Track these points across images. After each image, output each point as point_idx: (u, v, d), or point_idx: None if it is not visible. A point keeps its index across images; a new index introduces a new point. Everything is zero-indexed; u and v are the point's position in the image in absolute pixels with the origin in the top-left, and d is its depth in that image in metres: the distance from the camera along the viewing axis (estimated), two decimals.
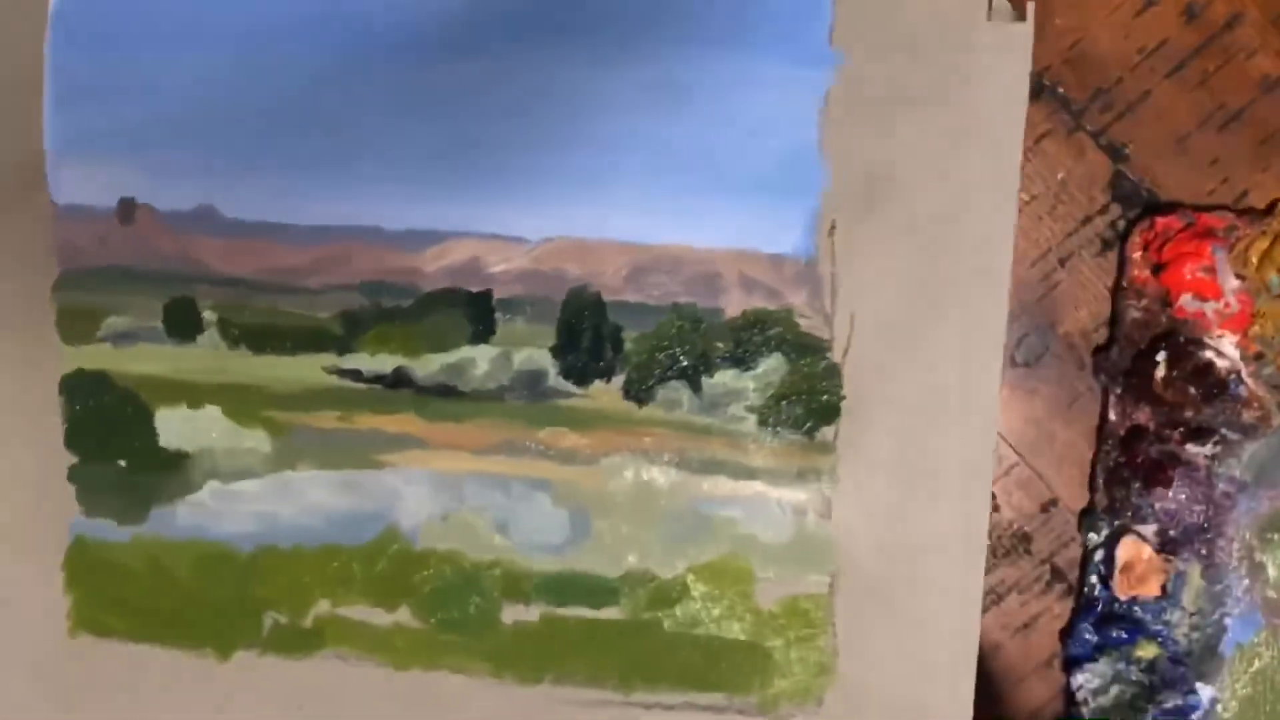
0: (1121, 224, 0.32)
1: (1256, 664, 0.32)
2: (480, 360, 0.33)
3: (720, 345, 0.31)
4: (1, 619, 0.34)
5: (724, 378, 0.32)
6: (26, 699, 0.36)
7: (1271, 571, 0.31)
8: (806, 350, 0.31)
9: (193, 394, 0.34)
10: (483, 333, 0.32)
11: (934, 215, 0.30)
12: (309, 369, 0.33)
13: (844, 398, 0.31)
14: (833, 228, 0.31)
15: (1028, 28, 0.30)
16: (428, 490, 0.35)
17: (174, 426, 0.35)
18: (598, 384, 0.32)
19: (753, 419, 0.31)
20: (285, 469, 0.36)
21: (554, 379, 0.32)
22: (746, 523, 0.31)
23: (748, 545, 0.32)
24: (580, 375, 0.32)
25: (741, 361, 0.31)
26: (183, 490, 0.37)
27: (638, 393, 0.32)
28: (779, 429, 0.31)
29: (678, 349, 0.32)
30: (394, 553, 0.36)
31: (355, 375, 0.33)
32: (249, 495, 0.37)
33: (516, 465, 0.33)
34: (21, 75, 0.33)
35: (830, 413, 0.31)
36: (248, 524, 0.37)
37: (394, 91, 0.32)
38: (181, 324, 0.35)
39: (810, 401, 0.31)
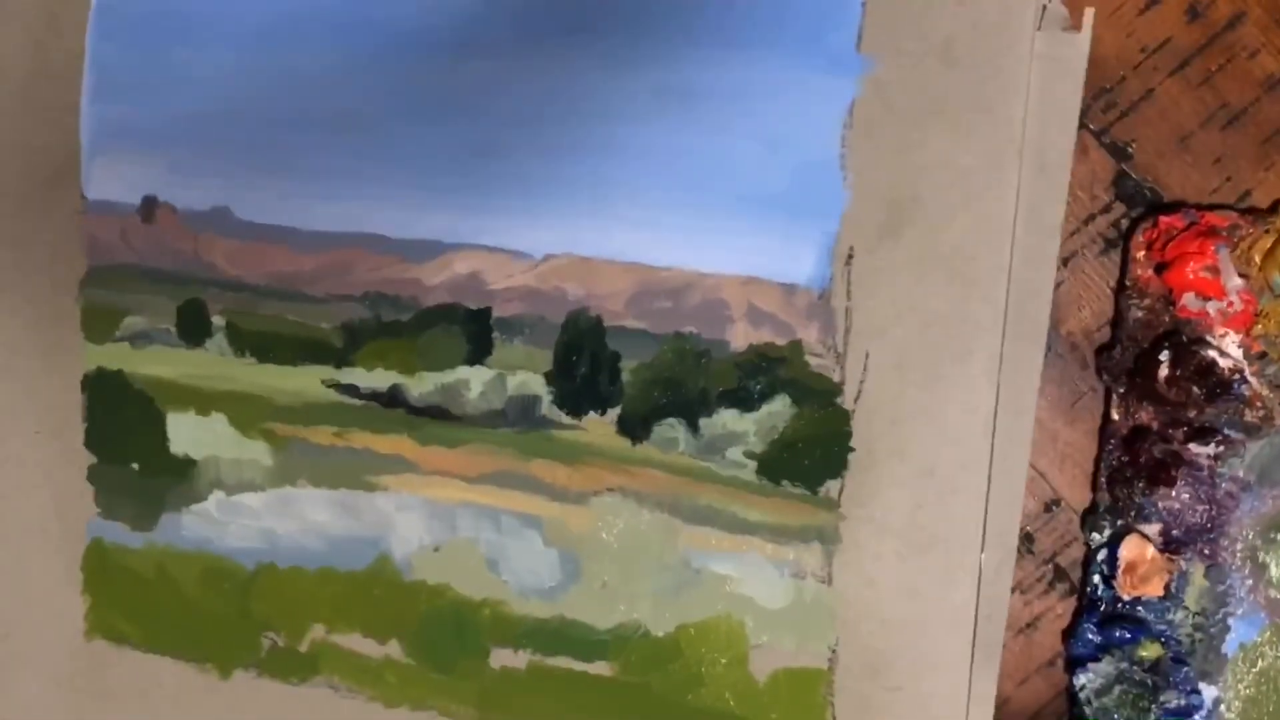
0: (1124, 223, 0.49)
1: (1260, 664, 0.48)
2: (475, 382, 0.50)
3: (722, 382, 0.47)
4: (21, 618, 0.56)
5: (724, 418, 0.47)
6: (41, 700, 0.62)
7: (1275, 571, 0.48)
8: (815, 393, 0.46)
9: (201, 400, 0.54)
10: (479, 353, 0.50)
11: (963, 245, 0.44)
12: (309, 381, 0.52)
13: (853, 449, 0.46)
14: (850, 255, 0.45)
15: (1084, 38, 0.44)
16: (420, 517, 0.52)
17: (184, 432, 0.56)
18: (592, 415, 0.49)
19: (752, 466, 0.47)
20: (285, 484, 0.57)
21: (547, 407, 0.49)
22: (741, 581, 0.47)
23: (743, 606, 0.47)
24: (574, 405, 0.49)
25: (744, 401, 0.47)
26: (190, 498, 0.58)
27: (632, 428, 0.48)
28: (780, 479, 0.46)
29: (677, 383, 0.48)
30: (386, 581, 0.56)
31: (352, 390, 0.52)
32: (251, 509, 0.58)
33: (508, 498, 0.50)
34: (61, 67, 0.54)
35: (836, 465, 0.46)
36: (250, 539, 0.57)
37: (405, 95, 0.50)
38: (192, 327, 0.57)
39: (816, 451, 0.46)
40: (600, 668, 0.50)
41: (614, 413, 0.49)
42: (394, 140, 0.51)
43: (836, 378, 0.46)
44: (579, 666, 0.50)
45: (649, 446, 0.49)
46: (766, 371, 0.47)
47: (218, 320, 0.54)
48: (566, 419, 0.50)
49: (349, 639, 0.53)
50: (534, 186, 0.50)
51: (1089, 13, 0.44)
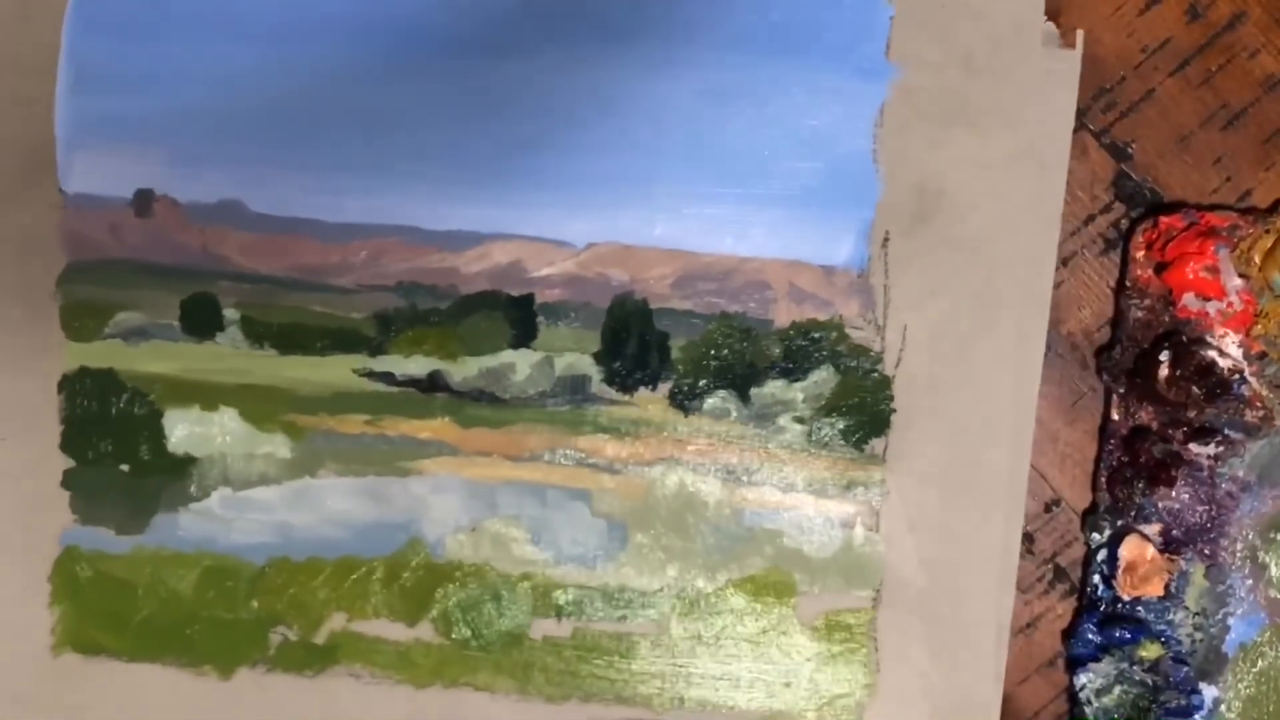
0: (1124, 223, 0.53)
1: (1260, 664, 0.51)
2: (521, 365, 0.53)
3: (769, 355, 0.52)
4: None
5: (773, 388, 0.52)
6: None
7: (1275, 571, 0.51)
8: (857, 361, 0.52)
9: (207, 395, 0.53)
10: (524, 337, 0.53)
11: (985, 231, 0.51)
12: (338, 371, 0.53)
13: (894, 410, 0.52)
14: (886, 239, 0.52)
15: (1076, 55, 0.51)
16: (457, 499, 0.54)
17: (184, 429, 0.55)
18: (643, 391, 0.53)
19: (801, 430, 0.52)
20: (304, 475, 0.57)
21: (597, 385, 0.52)
22: (792, 536, 0.52)
23: (792, 559, 0.52)
24: (625, 382, 0.52)
25: (791, 372, 0.52)
26: (189, 497, 0.56)
27: (684, 401, 0.52)
28: (828, 441, 0.52)
29: (726, 357, 0.53)
30: (417, 565, 0.57)
31: (387, 378, 0.54)
32: (262, 503, 0.58)
33: (554, 473, 0.53)
34: (34, 59, 0.52)
35: (880, 425, 0.52)
36: (260, 534, 0.57)
37: (437, 89, 0.52)
38: (200, 321, 0.56)
39: (860, 413, 0.52)
40: (647, 627, 0.54)
41: (665, 387, 0.54)
42: (428, 137, 0.53)
43: (877, 348, 0.53)
44: (624, 629, 0.54)
45: (701, 417, 0.54)
46: (811, 344, 0.53)
47: (231, 313, 0.54)
48: (617, 395, 0.54)
49: (372, 625, 0.55)
50: (575, 181, 0.53)
51: (1079, 33, 0.53)
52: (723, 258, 0.53)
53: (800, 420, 0.53)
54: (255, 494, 0.54)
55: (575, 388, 0.53)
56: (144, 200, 0.54)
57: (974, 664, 0.53)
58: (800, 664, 0.53)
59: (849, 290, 0.53)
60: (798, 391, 0.53)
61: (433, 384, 0.54)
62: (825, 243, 0.53)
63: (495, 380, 0.53)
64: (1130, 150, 0.54)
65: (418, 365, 0.54)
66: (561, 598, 0.54)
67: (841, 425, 0.53)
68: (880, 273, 0.53)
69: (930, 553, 0.53)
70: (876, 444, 0.53)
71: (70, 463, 0.54)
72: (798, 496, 0.53)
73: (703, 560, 0.53)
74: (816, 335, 0.53)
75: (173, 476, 0.54)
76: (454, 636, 0.54)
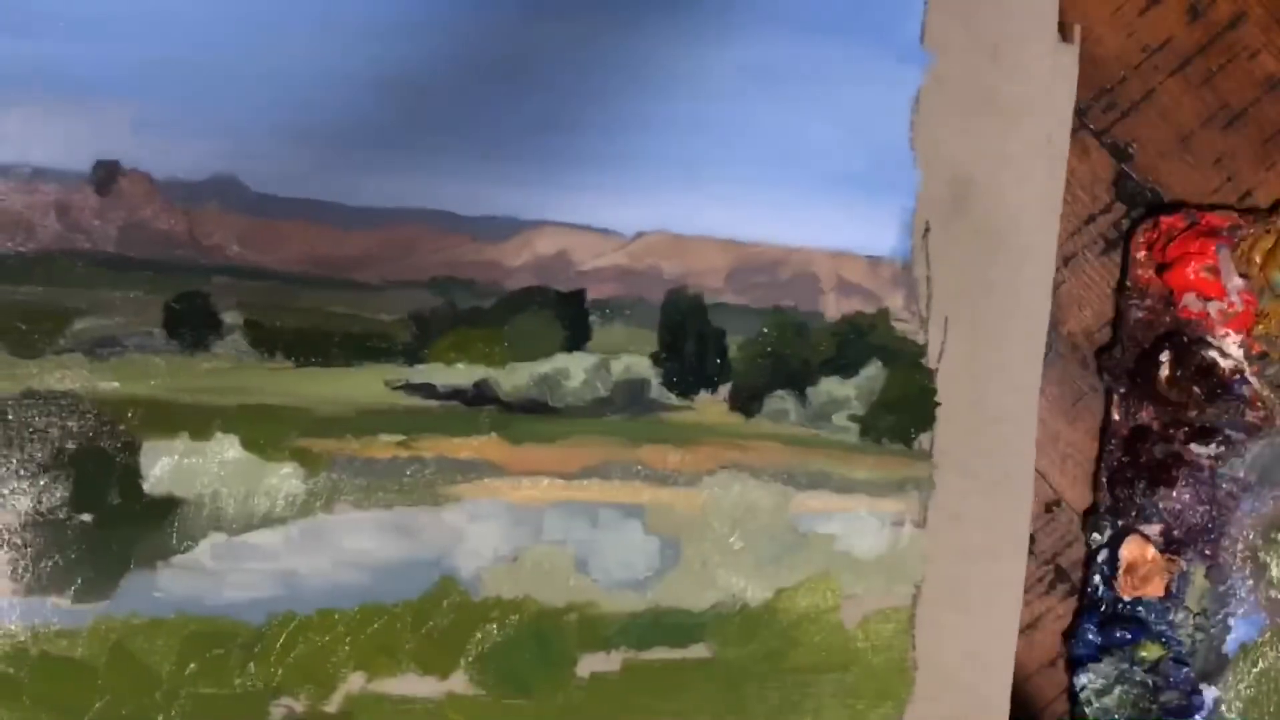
0: (1125, 223, 0.53)
1: (1260, 664, 0.52)
2: (575, 370, 0.47)
3: (822, 352, 0.49)
4: None
5: (828, 385, 0.49)
6: None
7: (1275, 571, 0.52)
8: (903, 355, 0.50)
9: (199, 420, 0.43)
10: (577, 338, 0.47)
11: (1015, 220, 0.51)
12: (367, 383, 0.45)
13: (939, 404, 0.51)
14: (926, 229, 0.50)
15: (1074, 50, 0.52)
16: (498, 527, 0.46)
17: (166, 464, 0.43)
18: (703, 394, 0.48)
19: (856, 428, 0.50)
20: (317, 511, 0.47)
21: (656, 389, 0.48)
22: (844, 538, 0.50)
23: (841, 562, 0.50)
24: (685, 385, 0.48)
25: (843, 368, 0.49)
26: (170, 549, 0.43)
27: (745, 403, 0.49)
28: (881, 438, 0.50)
29: (783, 355, 0.50)
30: (449, 606, 0.49)
31: (428, 391, 0.46)
32: (264, 549, 0.47)
33: (609, 490, 0.47)
34: None
35: (927, 419, 0.50)
36: (259, 587, 0.45)
37: (472, 54, 0.45)
38: (191, 327, 0.43)
39: (909, 408, 0.50)
40: (698, 650, 0.50)
41: (725, 389, 0.50)
42: (456, 105, 0.46)
43: (921, 340, 0.52)
44: (676, 655, 0.50)
45: (761, 420, 0.50)
46: (859, 338, 0.51)
47: (231, 317, 0.44)
48: (677, 400, 0.49)
49: (397, 683, 0.47)
50: (620, 162, 0.48)
51: (1077, 27, 0.54)
52: (771, 247, 0.50)
53: (855, 418, 0.51)
54: (255, 538, 0.45)
55: (634, 394, 0.49)
56: (106, 174, 0.43)
57: (998, 658, 0.54)
58: (845, 672, 0.52)
59: (894, 282, 0.52)
60: (851, 388, 0.51)
61: (479, 395, 0.47)
62: (870, 232, 0.51)
63: (548, 388, 0.48)
64: (1131, 150, 0.55)
65: (462, 374, 0.47)
66: (611, 628, 0.49)
67: (892, 421, 0.52)
68: (922, 263, 0.52)
69: (970, 544, 0.53)
70: (924, 438, 0.52)
71: (9, 517, 0.43)
72: (852, 498, 0.51)
73: (754, 572, 0.51)
74: (864, 328, 0.51)
75: (150, 525, 0.44)
76: (492, 684, 0.48)
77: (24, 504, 0.42)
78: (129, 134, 0.42)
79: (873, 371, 0.51)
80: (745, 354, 0.49)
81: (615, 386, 0.48)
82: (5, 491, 0.42)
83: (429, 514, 0.46)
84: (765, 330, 0.49)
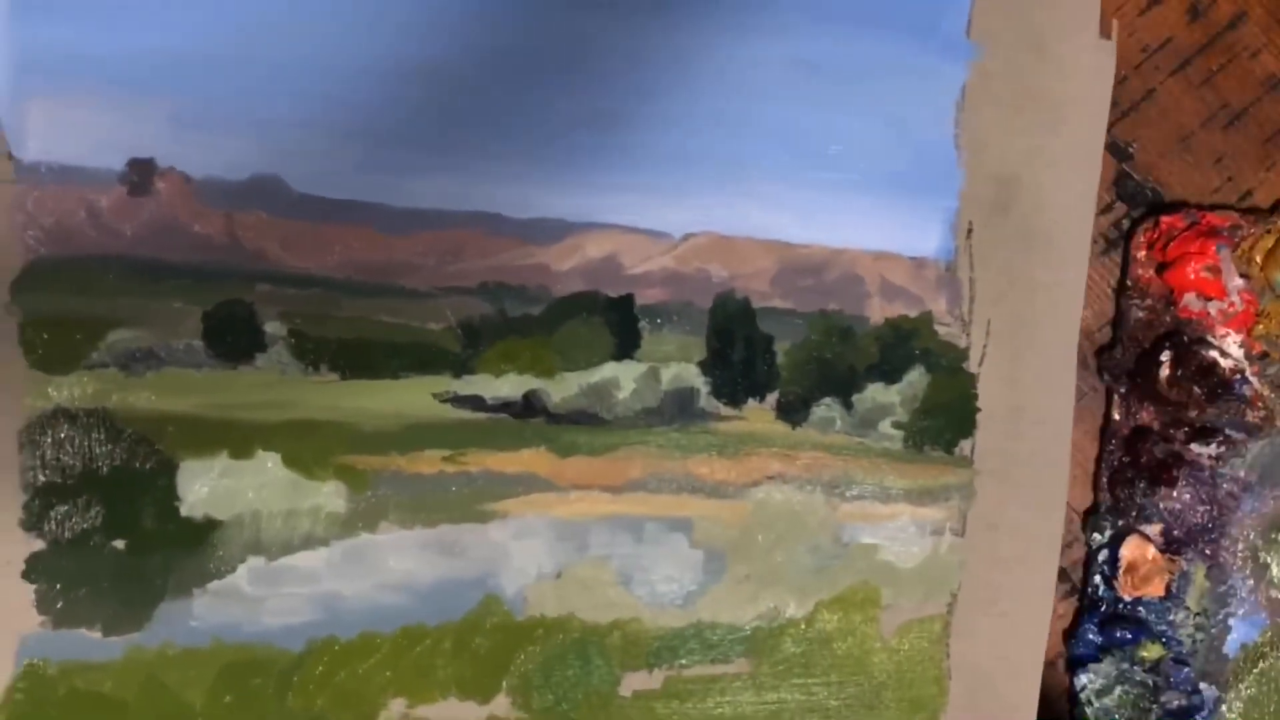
0: (1125, 223, 0.52)
1: (1261, 664, 0.52)
2: (625, 379, 0.45)
3: (866, 357, 0.48)
4: None
5: (873, 392, 0.48)
6: None
7: (1276, 571, 0.52)
8: (946, 360, 0.49)
9: (239, 438, 0.40)
10: (626, 346, 0.45)
11: (1057, 221, 0.50)
12: (415, 396, 0.42)
13: (979, 409, 0.50)
14: (970, 230, 0.49)
15: (1112, 46, 0.51)
16: (544, 543, 0.44)
17: (205, 485, 0.40)
18: (751, 403, 0.46)
19: (899, 436, 0.48)
20: (361, 531, 0.43)
21: (705, 399, 0.46)
22: (886, 548, 0.48)
23: (882, 572, 0.48)
24: (733, 393, 0.46)
25: (887, 374, 0.48)
26: (207, 574, 0.40)
27: (792, 411, 0.47)
28: (924, 445, 0.49)
29: (829, 362, 0.47)
30: (492, 627, 0.45)
31: (476, 403, 0.43)
32: (305, 572, 0.43)
33: (657, 503, 0.45)
34: None
35: (968, 425, 0.49)
36: (299, 612, 0.42)
37: (518, 50, 0.43)
38: (233, 338, 0.40)
39: (950, 414, 0.49)
40: (740, 665, 0.49)
41: (772, 398, 0.48)
42: (502, 103, 0.43)
43: (963, 344, 0.50)
44: (717, 670, 0.49)
45: (808, 428, 0.48)
46: (902, 343, 0.50)
47: (274, 327, 0.41)
48: (726, 409, 0.47)
49: (438, 708, 0.45)
50: (668, 161, 0.46)
51: (1115, 23, 0.53)
52: (817, 249, 0.48)
53: (899, 425, 0.50)
54: (297, 561, 0.42)
55: (683, 403, 0.46)
56: (142, 174, 0.40)
57: (1028, 662, 0.53)
58: (882, 683, 0.51)
59: (937, 284, 0.50)
60: (895, 394, 0.49)
61: (528, 407, 0.44)
62: (913, 233, 0.50)
63: (598, 399, 0.45)
64: (1131, 150, 0.54)
65: (511, 385, 0.44)
66: (653, 645, 0.47)
67: (935, 427, 0.50)
68: (966, 265, 0.50)
69: (1005, 551, 0.52)
70: (965, 445, 0.51)
71: (36, 544, 0.39)
72: (895, 506, 0.50)
73: (796, 584, 0.49)
74: (907, 332, 0.50)
75: (186, 550, 0.41)
76: (535, 707, 0.46)
77: (53, 530, 0.39)
78: (165, 131, 0.39)
79: (915, 377, 0.49)
80: (792, 360, 0.47)
81: (665, 396, 0.46)
82: (34, 516, 0.38)
83: (474, 531, 0.44)
84: (812, 335, 0.47)
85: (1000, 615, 0.52)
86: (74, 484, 0.39)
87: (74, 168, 0.38)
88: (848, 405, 0.48)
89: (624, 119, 0.45)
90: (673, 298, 0.46)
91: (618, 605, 0.46)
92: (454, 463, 0.43)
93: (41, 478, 0.39)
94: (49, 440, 0.39)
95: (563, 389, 0.44)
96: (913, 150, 0.49)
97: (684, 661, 0.47)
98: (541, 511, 0.45)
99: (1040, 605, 0.53)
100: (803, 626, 0.49)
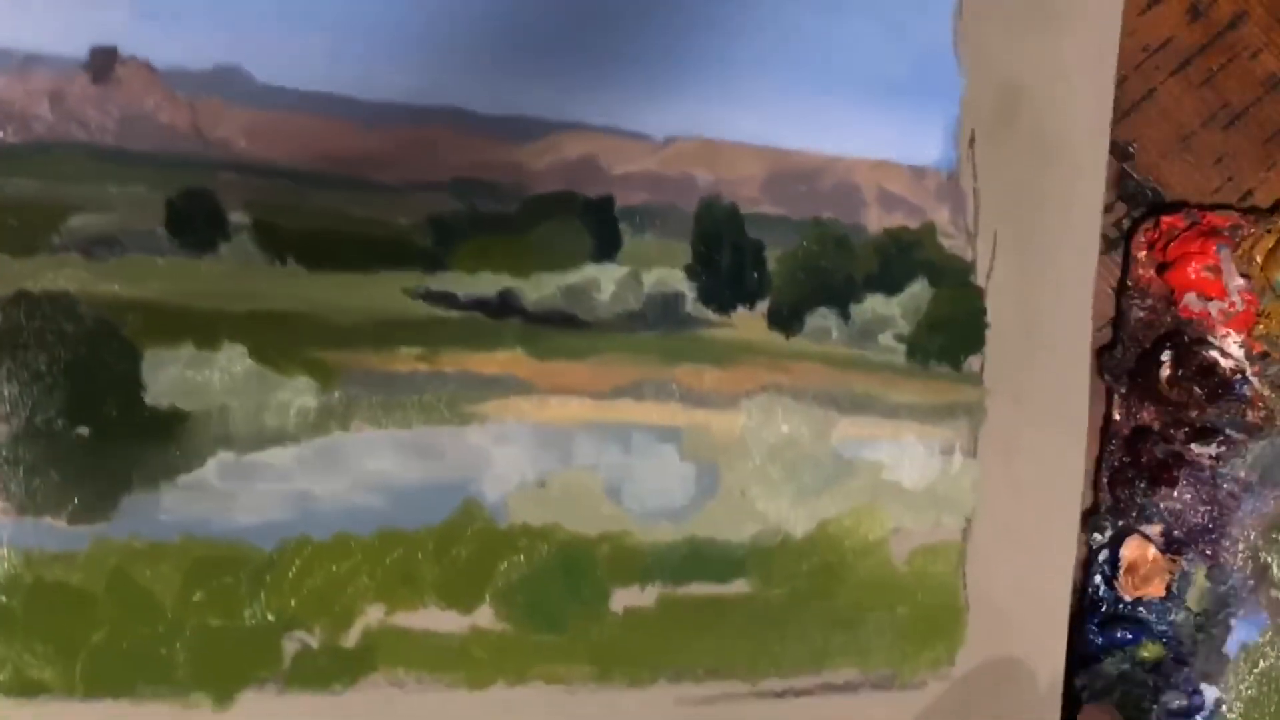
0: (1126, 223, 0.52)
1: (1262, 664, 0.52)
2: (605, 281, 0.43)
3: (864, 267, 0.46)
4: None
5: (872, 303, 0.46)
6: None
7: (1276, 571, 0.51)
8: (950, 273, 0.47)
9: (205, 327, 0.40)
10: (606, 248, 0.44)
11: (1066, 132, 0.48)
12: (385, 292, 0.41)
13: (989, 325, 0.48)
14: (972, 139, 0.47)
15: None
16: (525, 450, 0.43)
17: (170, 374, 0.40)
18: (740, 310, 0.45)
19: (902, 349, 0.47)
20: (334, 429, 0.42)
21: (691, 304, 0.44)
22: (891, 467, 0.47)
23: (888, 492, 0.47)
24: (721, 300, 0.45)
25: (887, 286, 0.46)
26: (174, 467, 0.40)
27: (785, 320, 0.45)
28: (929, 360, 0.47)
29: (824, 270, 0.46)
30: (473, 534, 0.43)
31: (449, 300, 0.42)
32: (276, 469, 0.42)
33: (643, 411, 0.44)
34: None
35: (976, 341, 0.47)
36: (271, 509, 0.41)
37: None
38: (196, 226, 0.40)
39: (956, 328, 0.47)
40: (737, 586, 0.47)
41: (763, 306, 0.46)
42: None
43: (968, 257, 0.49)
44: (714, 590, 0.47)
45: (802, 339, 0.47)
46: (904, 254, 0.48)
47: (238, 216, 0.41)
48: (713, 315, 0.46)
49: (419, 616, 0.44)
50: (651, 61, 0.45)
51: None
52: (810, 155, 0.47)
53: (900, 338, 0.48)
54: (267, 457, 0.42)
55: (667, 308, 0.45)
56: (104, 61, 0.40)
57: (1054, 598, 0.51)
58: (891, 611, 0.49)
59: (938, 194, 0.48)
60: (896, 307, 0.48)
61: (504, 306, 0.43)
62: (912, 141, 0.48)
63: (576, 300, 0.44)
64: (1132, 150, 0.53)
65: (485, 283, 0.43)
66: (645, 560, 0.46)
67: (940, 342, 0.48)
68: (969, 175, 0.49)
69: (1023, 476, 0.50)
70: (973, 361, 0.49)
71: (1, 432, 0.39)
72: (899, 423, 0.48)
73: (797, 501, 0.47)
74: (908, 243, 0.48)
75: (152, 440, 0.41)
76: (519, 619, 0.44)
77: (15, 414, 0.39)
78: (127, 19, 0.39)
79: (918, 289, 0.48)
80: (784, 268, 0.46)
81: (647, 300, 0.45)
82: (3, 400, 0.38)
83: (451, 434, 0.43)
84: (805, 243, 0.46)
85: (1020, 546, 0.49)
86: (36, 368, 0.39)
87: (38, 55, 0.39)
88: (845, 316, 0.47)
89: (605, 15, 0.44)
90: (656, 201, 0.45)
91: (606, 517, 0.45)
92: (428, 361, 0.43)
93: (4, 360, 0.39)
94: (10, 324, 0.38)
95: (539, 289, 0.43)
96: (911, 56, 0.48)
97: (678, 579, 0.46)
98: (521, 416, 0.44)
99: (1064, 539, 0.50)
100: (806, 547, 0.47)
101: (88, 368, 0.39)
